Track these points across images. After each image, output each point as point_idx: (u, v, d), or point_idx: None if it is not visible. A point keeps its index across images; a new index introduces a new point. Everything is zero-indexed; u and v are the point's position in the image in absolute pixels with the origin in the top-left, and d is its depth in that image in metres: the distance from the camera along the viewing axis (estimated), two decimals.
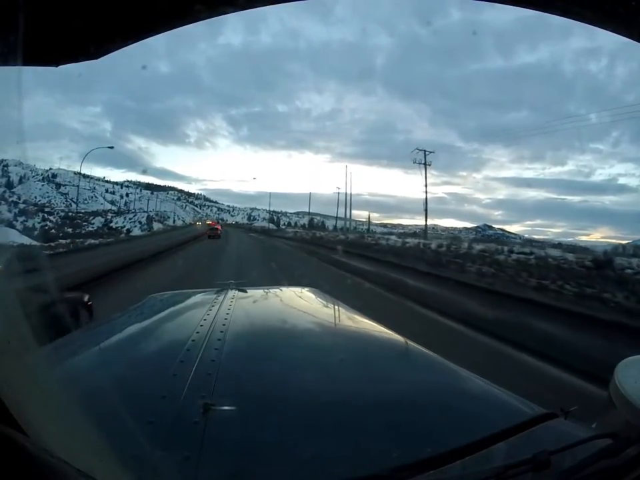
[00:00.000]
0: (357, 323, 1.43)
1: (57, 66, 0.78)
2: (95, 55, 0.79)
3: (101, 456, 0.51)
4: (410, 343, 1.19)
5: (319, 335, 1.25)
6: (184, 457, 0.60)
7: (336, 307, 1.66)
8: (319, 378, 0.92)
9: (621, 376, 0.75)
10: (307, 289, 1.99)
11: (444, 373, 1.01)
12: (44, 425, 0.47)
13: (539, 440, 0.70)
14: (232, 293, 1.60)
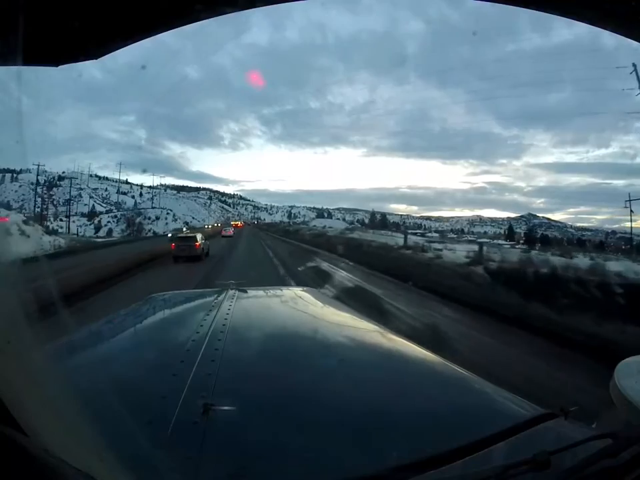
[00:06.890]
0: (355, 324, 1.43)
1: (57, 66, 0.78)
2: (95, 55, 0.79)
3: (101, 456, 0.50)
4: (407, 342, 1.19)
5: (317, 336, 1.25)
6: (184, 456, 0.60)
7: (334, 308, 1.66)
8: (318, 378, 0.92)
9: (621, 376, 0.75)
10: (306, 289, 1.99)
11: (444, 373, 1.01)
12: (44, 425, 0.47)
13: (539, 440, 0.70)
14: (232, 293, 1.60)
